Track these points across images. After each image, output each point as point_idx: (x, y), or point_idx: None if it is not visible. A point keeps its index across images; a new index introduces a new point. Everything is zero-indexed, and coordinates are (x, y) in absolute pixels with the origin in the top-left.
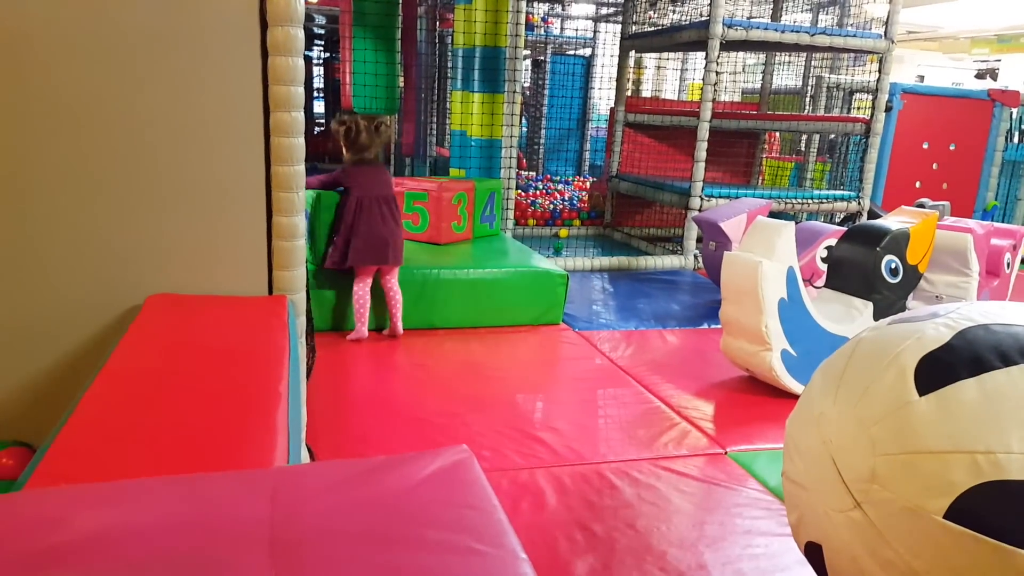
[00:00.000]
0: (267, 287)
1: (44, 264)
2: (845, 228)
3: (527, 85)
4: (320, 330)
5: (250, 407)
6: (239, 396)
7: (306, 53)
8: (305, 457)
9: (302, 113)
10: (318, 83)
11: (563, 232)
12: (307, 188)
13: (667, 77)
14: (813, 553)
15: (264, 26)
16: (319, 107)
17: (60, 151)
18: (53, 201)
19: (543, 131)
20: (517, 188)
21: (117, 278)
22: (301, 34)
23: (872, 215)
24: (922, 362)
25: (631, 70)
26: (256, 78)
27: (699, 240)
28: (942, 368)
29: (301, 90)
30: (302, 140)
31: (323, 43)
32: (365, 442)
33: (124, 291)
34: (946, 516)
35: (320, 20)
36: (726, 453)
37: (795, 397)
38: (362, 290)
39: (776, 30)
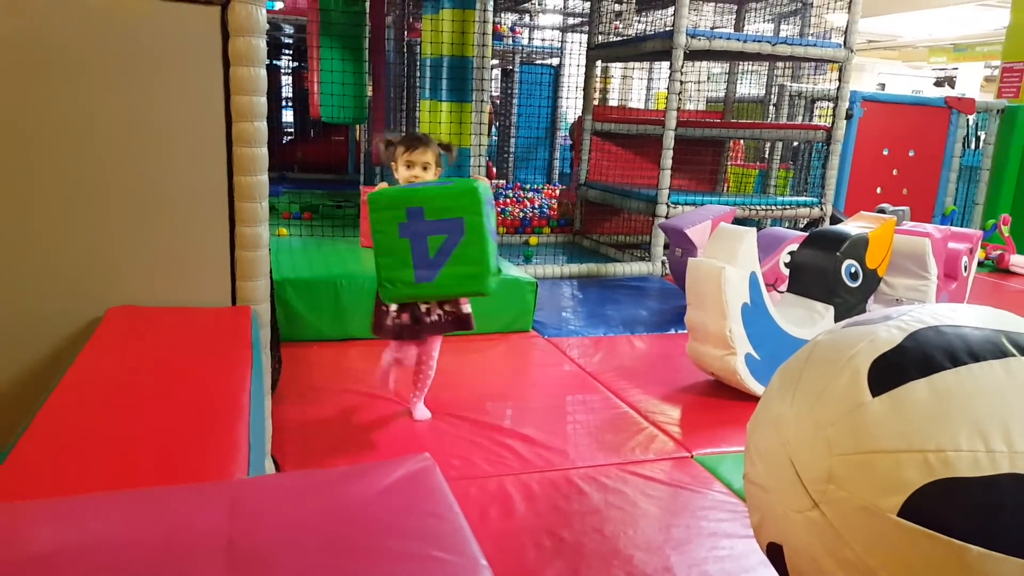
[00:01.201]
0: (231, 298)
1: (3, 274)
2: (807, 234)
3: (496, 94)
4: (287, 340)
5: (211, 419)
6: (200, 408)
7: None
8: (269, 469)
9: (265, 123)
10: (287, 92)
11: (533, 240)
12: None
13: (633, 86)
14: (775, 554)
15: (226, 36)
16: (288, 116)
17: (16, 163)
18: (11, 213)
19: (513, 140)
20: None
21: (76, 290)
22: (263, 44)
23: (835, 220)
24: (875, 364)
25: (598, 79)
26: (218, 88)
27: (666, 246)
28: (894, 369)
29: (263, 100)
30: (265, 150)
31: (291, 52)
32: (332, 453)
33: (84, 303)
34: (900, 514)
35: (288, 30)
36: (692, 456)
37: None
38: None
39: (739, 40)
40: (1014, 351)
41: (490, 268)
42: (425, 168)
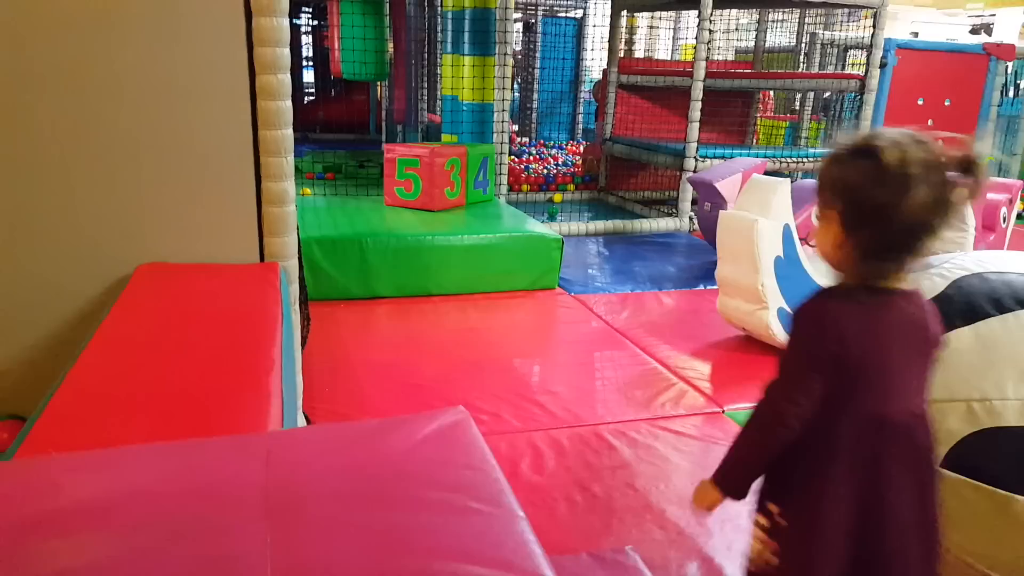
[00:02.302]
0: (258, 254)
1: (31, 237)
2: None
3: (518, 49)
4: (314, 300)
5: (243, 373)
6: (231, 362)
7: (294, 21)
8: (301, 423)
9: (288, 75)
10: (307, 51)
11: (557, 197)
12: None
13: (659, 37)
14: None
15: None
16: (308, 76)
17: (44, 123)
18: (39, 174)
19: (535, 95)
20: (510, 154)
21: (105, 248)
22: None
23: None
24: None
25: (623, 30)
26: (240, 40)
27: (694, 202)
28: None
29: (287, 51)
30: (289, 103)
31: (311, 10)
32: (362, 409)
33: (113, 261)
34: (943, 465)
35: None
36: (723, 412)
37: None
38: None
39: None
40: None
41: None
42: None
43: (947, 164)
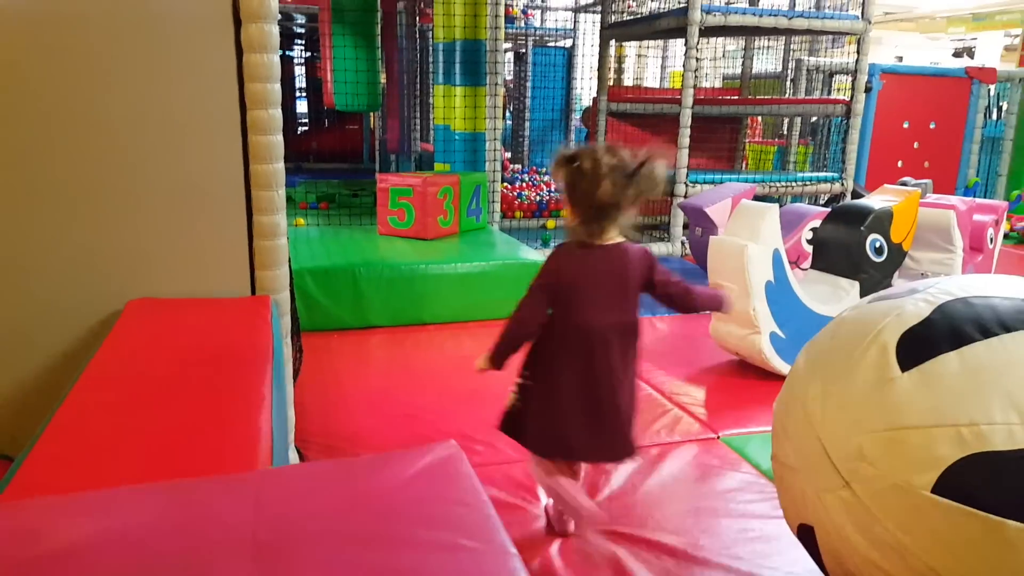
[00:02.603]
0: (250, 287)
1: (22, 271)
2: (829, 209)
3: (509, 78)
4: (307, 330)
5: (233, 410)
6: (221, 399)
7: (287, 53)
8: (293, 459)
9: (279, 110)
10: (300, 82)
11: (551, 223)
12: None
13: (648, 65)
14: (806, 535)
15: (238, 24)
16: (302, 106)
17: (35, 157)
18: (30, 207)
19: (527, 123)
20: (503, 181)
21: (96, 283)
22: (275, 30)
23: (856, 195)
24: (903, 338)
25: (612, 60)
26: (231, 76)
27: (686, 226)
28: (923, 343)
29: (278, 87)
30: (280, 138)
31: (304, 42)
32: (356, 442)
33: (103, 296)
34: (934, 491)
35: (300, 19)
36: (719, 438)
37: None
38: (554, 482)
39: (754, 14)
40: None
41: None
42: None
43: (627, 167)
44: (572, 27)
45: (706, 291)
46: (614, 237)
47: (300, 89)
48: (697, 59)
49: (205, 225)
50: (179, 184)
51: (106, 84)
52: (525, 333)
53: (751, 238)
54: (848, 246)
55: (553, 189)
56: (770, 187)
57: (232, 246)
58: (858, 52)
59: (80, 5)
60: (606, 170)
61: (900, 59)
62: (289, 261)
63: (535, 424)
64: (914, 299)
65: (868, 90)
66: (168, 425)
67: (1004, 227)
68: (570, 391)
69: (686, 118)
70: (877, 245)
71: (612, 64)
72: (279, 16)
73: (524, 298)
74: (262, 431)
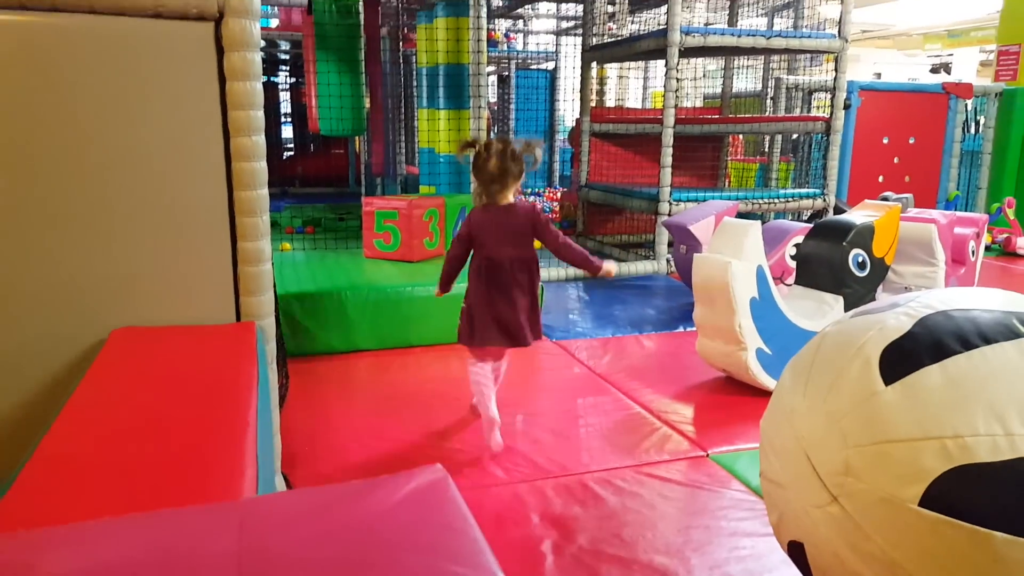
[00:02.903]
0: (234, 314)
1: (4, 300)
2: (812, 225)
3: (493, 101)
4: (294, 355)
5: (217, 438)
6: (206, 427)
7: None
8: (280, 486)
9: (263, 137)
10: (285, 108)
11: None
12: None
13: (630, 86)
14: (796, 552)
15: (220, 52)
16: (287, 132)
17: (16, 186)
18: (12, 237)
19: None
20: None
21: (79, 313)
22: (258, 58)
23: (838, 211)
24: (885, 352)
25: (594, 81)
26: (215, 104)
27: (671, 244)
28: (905, 356)
29: (261, 114)
30: (264, 164)
31: (288, 68)
32: (344, 467)
33: (87, 326)
34: (921, 503)
35: (284, 46)
36: (708, 455)
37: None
38: (478, 373)
39: (733, 35)
40: None
41: None
42: None
43: (511, 150)
44: (554, 50)
45: (582, 252)
46: (508, 199)
47: (285, 114)
48: (678, 79)
49: (189, 252)
50: (162, 212)
51: (88, 112)
52: (455, 266)
53: (734, 255)
54: (831, 261)
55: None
56: (753, 204)
57: (216, 273)
58: (836, 70)
59: (62, 33)
60: (494, 152)
61: (879, 75)
62: (274, 286)
63: (464, 324)
64: (895, 313)
65: (847, 107)
66: (153, 454)
67: (985, 239)
68: (482, 300)
69: (668, 137)
70: (860, 260)
71: (594, 85)
72: (263, 43)
73: (452, 243)
74: (247, 459)
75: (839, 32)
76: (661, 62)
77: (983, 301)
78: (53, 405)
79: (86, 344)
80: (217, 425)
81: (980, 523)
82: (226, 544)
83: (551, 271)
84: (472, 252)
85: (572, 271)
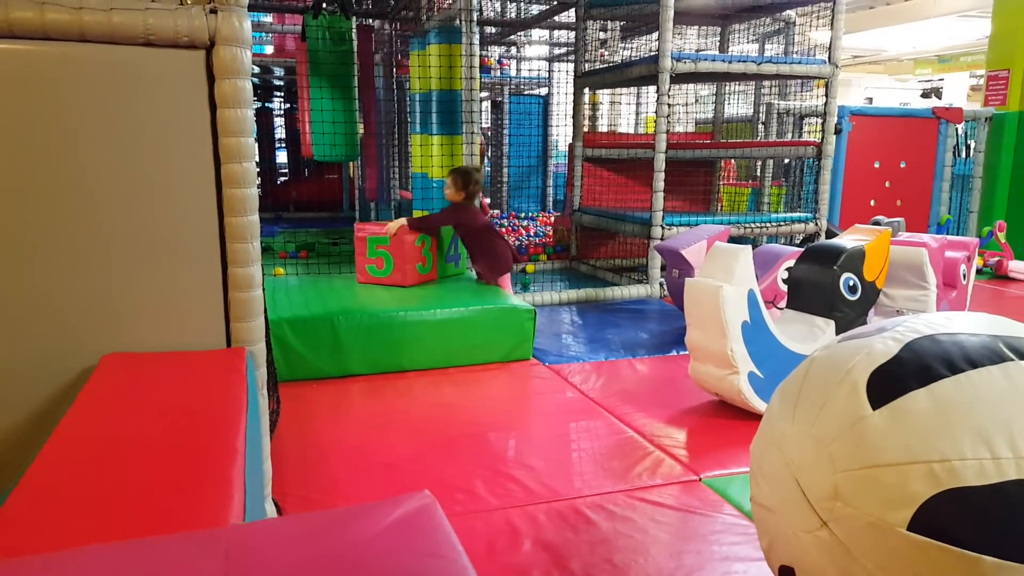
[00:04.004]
0: (225, 339)
1: None
2: (803, 249)
3: (487, 126)
4: (286, 381)
5: (205, 464)
6: (194, 453)
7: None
8: (270, 512)
9: (253, 163)
10: (280, 133)
11: (530, 267)
12: (429, 226)
13: (622, 112)
14: None
15: (211, 80)
16: (282, 157)
17: (5, 212)
18: (1, 262)
19: (506, 169)
20: None
21: (69, 339)
22: (249, 85)
23: (830, 235)
24: (873, 376)
25: (587, 106)
26: (205, 131)
27: (663, 268)
28: (892, 381)
29: (252, 141)
30: (255, 191)
31: (283, 94)
32: (334, 492)
33: (77, 352)
34: (910, 528)
35: (279, 72)
36: (700, 480)
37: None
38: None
39: (724, 61)
40: (1012, 355)
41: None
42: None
43: (471, 176)
44: (547, 76)
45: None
46: (474, 202)
47: (280, 140)
48: (670, 105)
49: (179, 278)
50: (153, 237)
51: (79, 138)
52: (432, 229)
53: (725, 279)
54: (822, 285)
55: (532, 233)
56: (745, 228)
57: (207, 299)
58: (826, 95)
59: (53, 61)
60: (468, 176)
61: (870, 100)
62: (265, 312)
63: (478, 269)
64: (883, 337)
65: (838, 132)
66: (140, 481)
67: (977, 263)
68: (477, 251)
69: (660, 162)
70: (851, 284)
71: (586, 111)
72: (257, 69)
73: (442, 216)
74: (234, 485)
75: (829, 58)
76: (653, 88)
77: (969, 325)
78: (42, 431)
79: (76, 370)
80: (205, 451)
81: (968, 547)
82: (212, 571)
83: (544, 295)
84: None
85: (566, 294)
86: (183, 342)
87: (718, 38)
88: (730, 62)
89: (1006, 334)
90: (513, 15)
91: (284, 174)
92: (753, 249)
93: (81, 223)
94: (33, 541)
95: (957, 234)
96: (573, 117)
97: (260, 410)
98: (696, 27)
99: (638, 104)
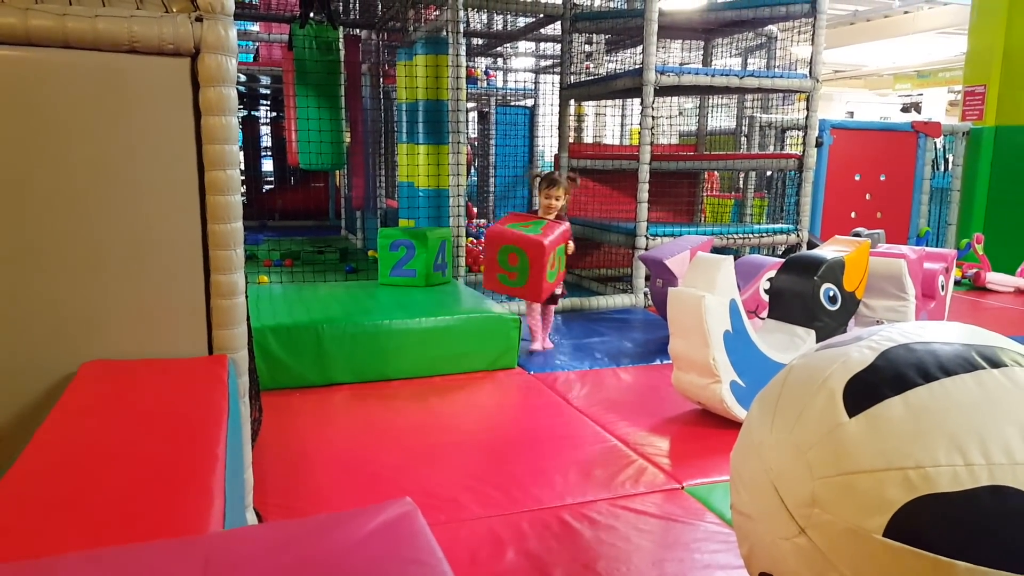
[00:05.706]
0: (207, 347)
1: None
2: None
3: (473, 136)
4: (269, 389)
5: (185, 472)
6: (174, 461)
7: (252, 113)
8: (251, 520)
9: (237, 171)
10: (266, 142)
11: None
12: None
13: (607, 123)
14: None
15: (196, 87)
16: (268, 165)
17: None
18: None
19: (492, 179)
20: (469, 236)
21: (49, 346)
22: (234, 93)
23: (811, 246)
24: (849, 384)
25: (572, 118)
26: (189, 138)
27: (648, 278)
28: (868, 389)
29: (236, 148)
30: (238, 198)
31: (269, 102)
32: (317, 501)
33: (56, 359)
34: (885, 534)
35: (265, 80)
36: (683, 488)
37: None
38: (531, 316)
39: (707, 74)
40: (984, 364)
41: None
42: (557, 199)
43: (559, 177)
44: (533, 87)
45: None
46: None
47: (266, 148)
48: (654, 117)
49: (162, 286)
50: (135, 244)
51: (61, 145)
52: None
53: (708, 289)
54: (803, 295)
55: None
56: (728, 239)
57: (189, 306)
58: (808, 109)
59: (35, 67)
60: (559, 177)
61: (851, 114)
62: (248, 319)
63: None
64: (859, 346)
65: (819, 145)
66: (119, 488)
67: (955, 274)
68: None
69: (644, 174)
70: (831, 294)
71: (572, 122)
72: (243, 78)
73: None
74: (214, 493)
75: (810, 72)
76: (638, 100)
77: (943, 334)
78: (20, 438)
79: (55, 377)
80: (185, 459)
81: (943, 552)
82: None
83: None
84: None
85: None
86: (164, 349)
87: (701, 52)
88: (713, 75)
89: (979, 343)
90: (500, 27)
91: (270, 182)
92: (735, 259)
93: (61, 228)
94: (9, 549)
95: (936, 246)
96: (559, 128)
97: (242, 418)
98: (680, 41)
99: (623, 116)
